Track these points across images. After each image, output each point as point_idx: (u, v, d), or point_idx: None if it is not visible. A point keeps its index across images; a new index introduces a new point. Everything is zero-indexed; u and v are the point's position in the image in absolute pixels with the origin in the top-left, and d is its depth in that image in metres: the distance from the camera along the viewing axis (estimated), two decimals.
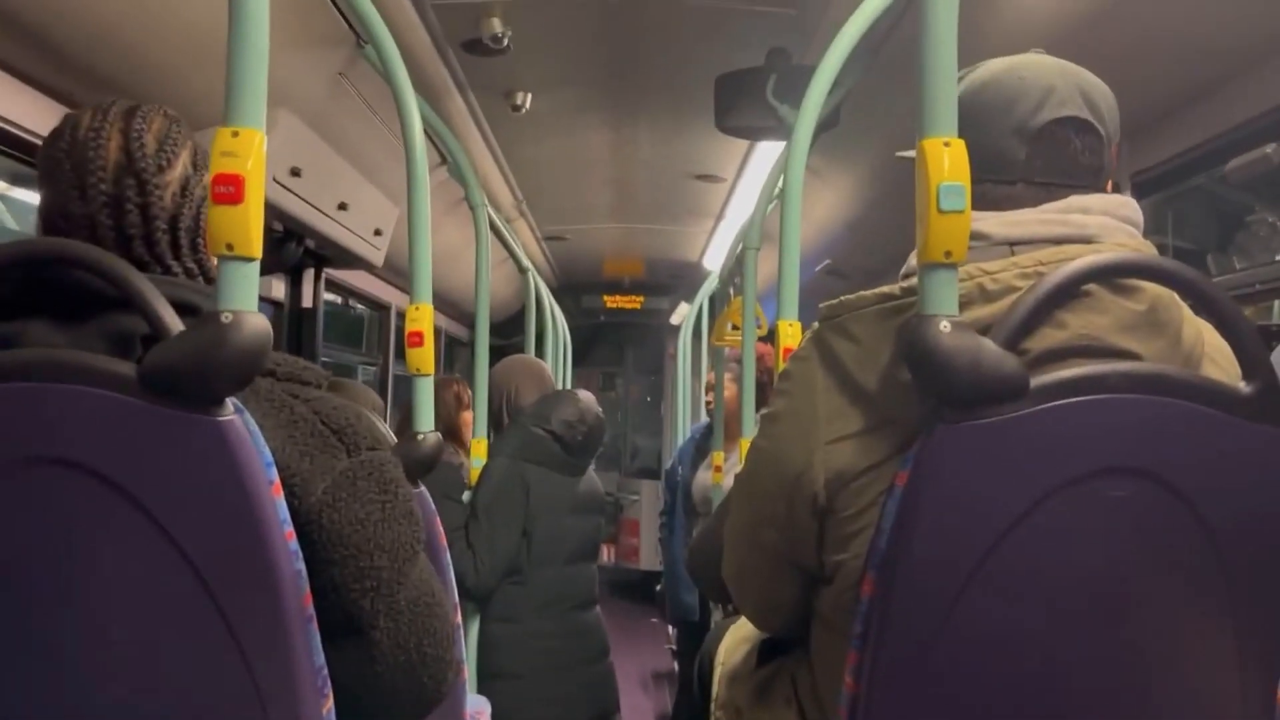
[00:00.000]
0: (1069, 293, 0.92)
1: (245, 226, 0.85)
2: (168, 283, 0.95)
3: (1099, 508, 0.90)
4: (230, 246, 0.85)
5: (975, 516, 0.90)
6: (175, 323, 0.86)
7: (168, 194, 0.99)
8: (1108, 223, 1.01)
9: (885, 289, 1.01)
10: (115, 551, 0.87)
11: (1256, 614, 0.95)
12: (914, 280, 0.98)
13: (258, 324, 0.85)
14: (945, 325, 0.87)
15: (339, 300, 4.05)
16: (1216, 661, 0.96)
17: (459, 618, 1.66)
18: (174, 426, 0.84)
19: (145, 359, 0.84)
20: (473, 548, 2.19)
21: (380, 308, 4.25)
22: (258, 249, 0.86)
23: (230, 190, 0.84)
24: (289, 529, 0.88)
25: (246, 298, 0.86)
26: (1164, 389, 0.90)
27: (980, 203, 1.02)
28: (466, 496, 2.32)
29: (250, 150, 0.85)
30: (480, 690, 2.18)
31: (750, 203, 2.37)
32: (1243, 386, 0.92)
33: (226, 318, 0.84)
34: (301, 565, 0.89)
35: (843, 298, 1.04)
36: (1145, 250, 1.00)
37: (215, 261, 1.03)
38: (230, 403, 0.85)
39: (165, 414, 0.83)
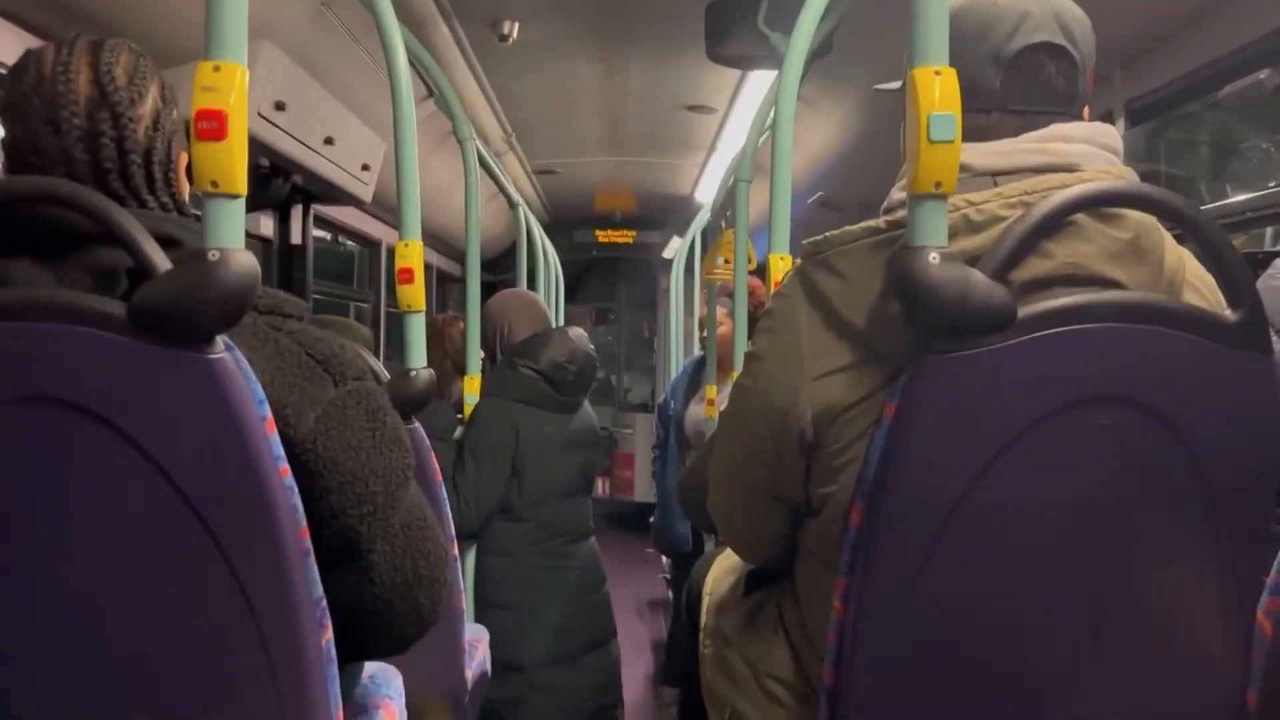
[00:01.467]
0: (1057, 222, 0.92)
1: (230, 163, 0.84)
2: (148, 216, 0.95)
3: (1085, 436, 0.92)
4: (215, 184, 0.84)
5: (962, 446, 0.92)
6: (162, 260, 0.85)
7: (141, 127, 0.98)
8: (1088, 150, 1.00)
9: (870, 223, 1.01)
10: (112, 490, 0.87)
11: (1238, 539, 0.96)
12: (899, 213, 0.98)
13: (245, 261, 0.85)
14: (934, 257, 0.87)
15: (329, 237, 4.03)
16: (1199, 585, 0.98)
17: (455, 549, 1.69)
18: (165, 365, 0.84)
19: (134, 298, 0.84)
20: (457, 489, 2.20)
21: (371, 244, 4.22)
22: (243, 185, 0.86)
23: (213, 126, 0.83)
24: (284, 465, 0.89)
25: (233, 235, 0.85)
26: (1150, 317, 0.91)
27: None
28: (457, 432, 2.33)
29: (232, 85, 0.84)
30: (478, 620, 2.22)
31: (742, 134, 2.34)
32: (1228, 314, 0.92)
33: (214, 255, 0.84)
34: (297, 500, 0.90)
35: (827, 234, 1.04)
36: (1127, 177, 1.00)
37: (187, 196, 1.03)
38: (220, 340, 0.85)
39: (156, 352, 0.83)
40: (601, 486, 7.26)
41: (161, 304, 0.83)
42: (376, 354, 3.06)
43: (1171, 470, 0.93)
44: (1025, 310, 0.89)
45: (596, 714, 2.37)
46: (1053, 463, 0.92)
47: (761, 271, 2.00)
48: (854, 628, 0.98)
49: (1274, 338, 1.34)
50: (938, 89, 0.86)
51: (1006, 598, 0.96)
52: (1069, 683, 0.98)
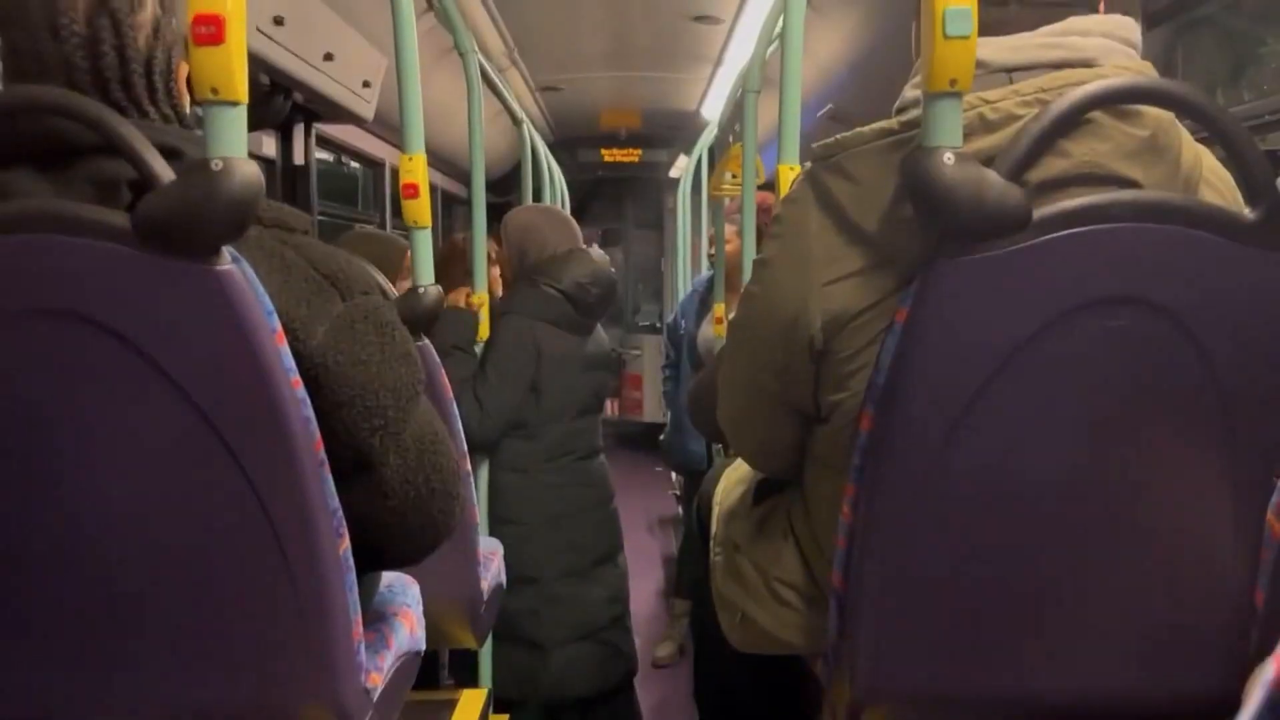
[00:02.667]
0: (1074, 121, 0.90)
1: (229, 68, 0.82)
2: (150, 127, 0.93)
3: (1099, 337, 0.91)
4: (215, 90, 0.83)
5: (974, 349, 0.91)
6: (165, 171, 0.84)
7: (141, 35, 0.96)
8: (1107, 44, 0.98)
9: (883, 124, 0.99)
10: (124, 403, 0.88)
11: (1251, 439, 0.96)
12: (912, 113, 0.96)
13: (249, 171, 0.84)
14: (949, 157, 0.86)
15: (332, 158, 3.98)
16: (1211, 486, 0.98)
17: (467, 464, 1.70)
18: (172, 277, 0.84)
19: (138, 209, 0.83)
20: (478, 399, 2.22)
21: (374, 164, 4.18)
22: (243, 92, 0.84)
23: (212, 30, 0.81)
24: (295, 376, 0.89)
25: (235, 144, 0.84)
26: (1167, 216, 0.89)
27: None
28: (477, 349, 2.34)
29: None
30: (491, 534, 2.25)
31: (749, 46, 2.28)
32: (1247, 212, 0.91)
33: (217, 165, 0.83)
34: (310, 411, 0.91)
35: (839, 136, 1.02)
36: (1146, 72, 0.97)
37: (189, 108, 1.01)
38: (227, 252, 0.85)
39: (162, 264, 0.83)
40: (611, 407, 7.32)
41: (166, 215, 0.82)
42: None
43: (1185, 371, 0.92)
44: (1041, 211, 0.87)
45: (610, 623, 2.43)
46: (1065, 365, 0.92)
47: (770, 186, 1.97)
48: (863, 532, 0.99)
49: None
50: None
51: (1016, 501, 0.96)
52: (1078, 584, 0.99)
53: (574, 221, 2.56)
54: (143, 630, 0.95)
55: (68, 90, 0.89)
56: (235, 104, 0.84)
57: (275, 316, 0.88)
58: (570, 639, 2.35)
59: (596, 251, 2.49)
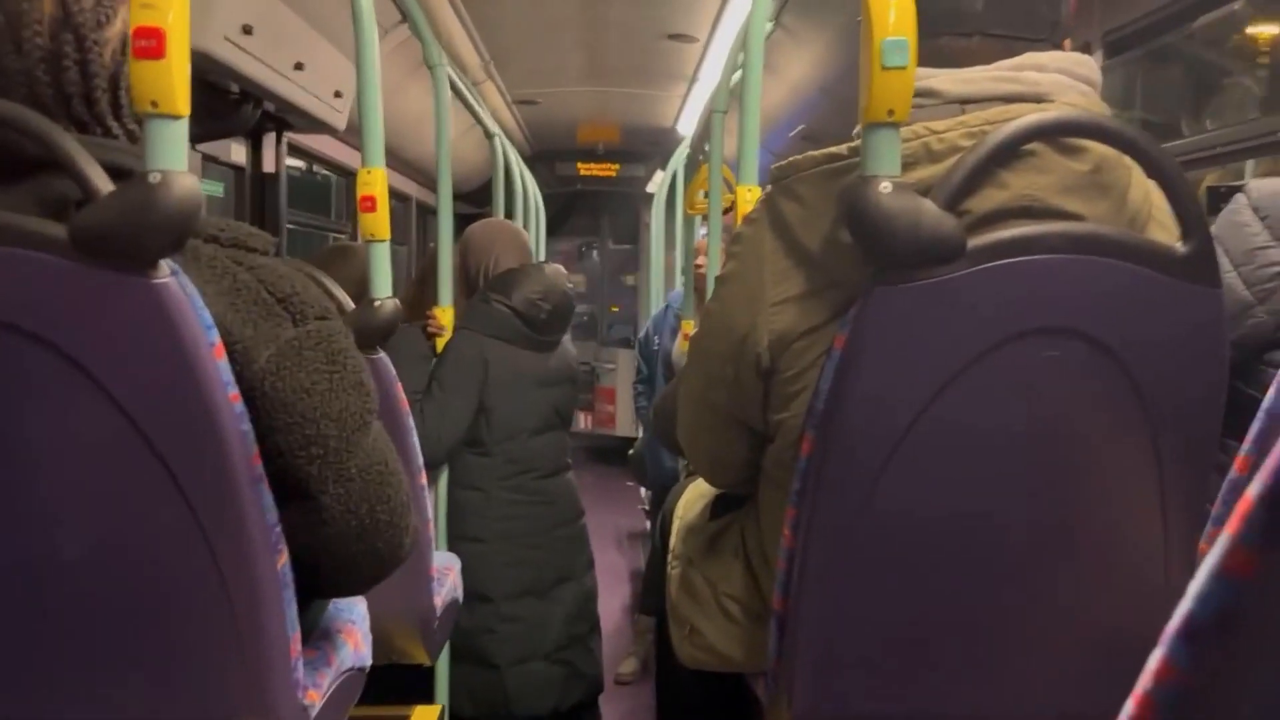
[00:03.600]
0: (1010, 152, 0.91)
1: (169, 82, 0.82)
2: (103, 145, 0.92)
3: (1032, 367, 0.92)
4: (155, 104, 0.83)
5: (910, 377, 0.92)
6: (104, 184, 0.84)
7: (107, 51, 0.95)
8: (1061, 80, 0.99)
9: (832, 149, 1.00)
10: (59, 414, 0.87)
11: (1182, 470, 0.98)
12: (860, 141, 0.97)
13: (188, 184, 0.84)
14: (886, 186, 0.87)
15: (305, 167, 3.97)
16: (1143, 515, 0.99)
17: (424, 479, 1.70)
18: (108, 289, 0.83)
19: (74, 220, 0.82)
20: (423, 417, 2.19)
21: (347, 174, 4.17)
22: (184, 106, 0.84)
23: (151, 44, 0.81)
24: (234, 390, 0.89)
25: (174, 157, 0.84)
26: (1099, 249, 0.91)
27: (937, 58, 1.00)
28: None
29: (171, 1, 0.82)
30: (451, 548, 2.24)
31: (722, 64, 2.30)
32: (1179, 246, 0.92)
33: (155, 178, 0.82)
34: (248, 426, 0.90)
35: (792, 158, 1.03)
36: (1096, 110, 0.98)
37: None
38: (165, 264, 0.84)
39: (98, 276, 0.82)
40: (584, 421, 7.31)
41: (102, 227, 0.82)
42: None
43: (1117, 401, 0.94)
44: (975, 241, 0.89)
45: (568, 642, 2.40)
46: (1000, 394, 0.93)
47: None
48: (802, 555, 1.00)
49: (1232, 271, 1.34)
50: (893, 13, 0.85)
51: (951, 529, 0.97)
52: (1014, 611, 1.00)
53: (525, 235, 2.55)
54: (75, 644, 0.94)
55: (13, 104, 0.88)
56: (176, 117, 0.84)
57: (215, 331, 0.88)
58: (525, 659, 2.32)
59: (552, 267, 2.46)
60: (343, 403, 0.98)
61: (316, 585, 1.06)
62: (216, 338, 0.88)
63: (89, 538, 0.90)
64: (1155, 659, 0.34)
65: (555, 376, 2.43)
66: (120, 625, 0.93)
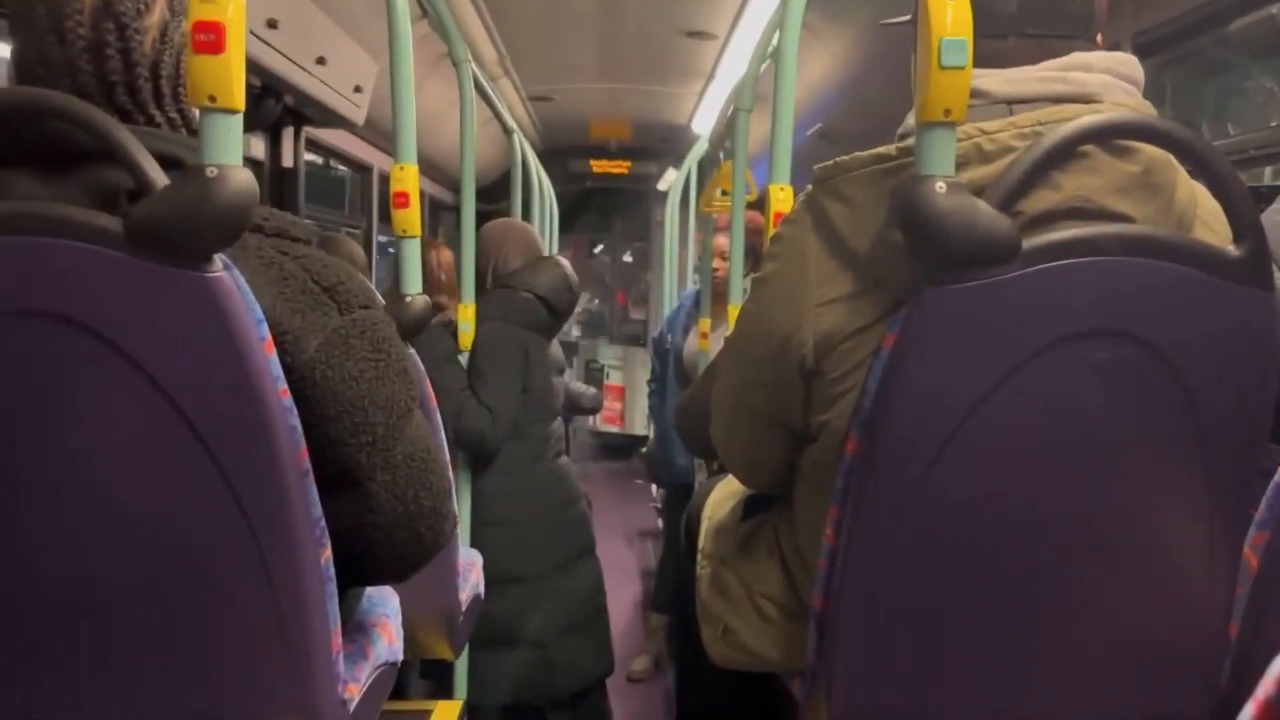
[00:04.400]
0: (1065, 154, 0.91)
1: (228, 77, 0.82)
2: (151, 135, 0.93)
3: (1083, 369, 0.92)
4: (213, 98, 0.83)
5: (959, 379, 0.92)
6: (160, 177, 0.84)
7: (148, 39, 0.95)
8: (1108, 81, 0.99)
9: (881, 149, 1.00)
10: (110, 406, 0.87)
11: (1229, 473, 0.97)
12: (911, 141, 0.97)
13: (243, 179, 0.84)
14: (941, 186, 0.86)
15: (320, 161, 3.97)
16: (1188, 518, 0.99)
17: (450, 473, 1.70)
18: (162, 282, 0.83)
19: (131, 213, 0.83)
20: (486, 404, 2.27)
21: (362, 169, 4.17)
22: (240, 100, 0.84)
23: (211, 39, 0.81)
24: (283, 385, 0.89)
25: (231, 151, 0.84)
26: (1153, 251, 0.90)
27: (974, 60, 1.00)
28: (464, 359, 2.35)
29: None
30: (476, 537, 2.27)
31: (742, 62, 2.30)
32: (1232, 249, 0.92)
33: (212, 172, 0.82)
34: (296, 421, 0.90)
35: (838, 159, 1.03)
36: (1144, 110, 0.98)
37: (197, 113, 1.00)
38: (219, 259, 0.84)
39: (153, 269, 0.83)
40: (592, 418, 7.31)
41: (158, 220, 0.82)
42: (368, 278, 3.05)
43: (1166, 404, 0.93)
44: (1029, 242, 0.88)
45: (594, 615, 2.49)
46: (1049, 396, 0.93)
47: (760, 204, 1.98)
48: (844, 555, 0.99)
49: (1278, 270, 1.34)
50: (950, 12, 0.84)
51: (996, 530, 0.97)
52: (1056, 614, 1.00)
53: (535, 234, 2.66)
54: (121, 635, 0.94)
55: (67, 95, 0.88)
56: (233, 112, 0.84)
57: (265, 325, 0.88)
58: (565, 631, 2.39)
59: (562, 260, 2.57)
60: (389, 390, 0.99)
61: (358, 574, 1.06)
62: (267, 332, 0.88)
63: (137, 530, 0.90)
64: (1278, 665, 0.33)
65: (559, 364, 2.57)
66: (166, 618, 0.93)
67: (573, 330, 7.64)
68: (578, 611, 2.44)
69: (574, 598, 2.44)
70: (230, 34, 0.81)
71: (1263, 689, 0.34)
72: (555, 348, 2.57)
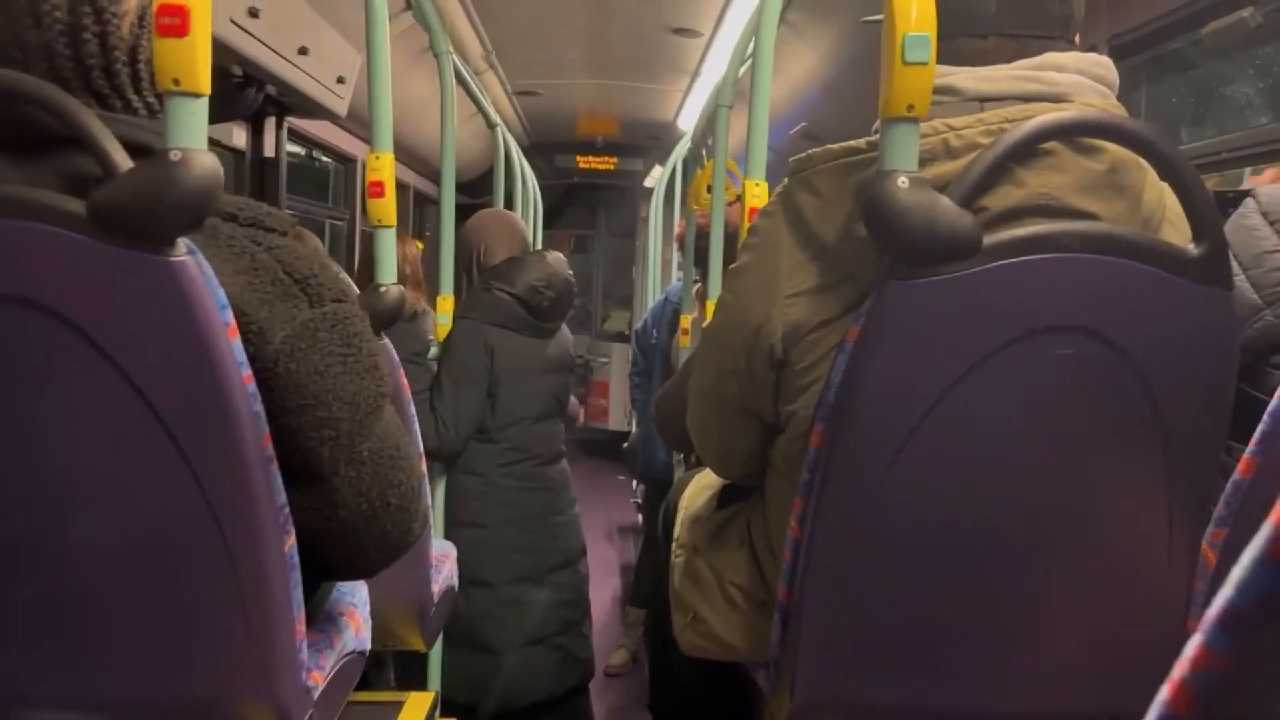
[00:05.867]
0: (1028, 150, 0.92)
1: (192, 60, 0.82)
2: (123, 122, 0.92)
3: (1044, 365, 0.93)
4: (177, 81, 0.83)
5: (922, 372, 0.93)
6: (124, 160, 0.84)
7: (125, 23, 0.95)
8: (1081, 81, 1.00)
9: (851, 143, 1.00)
10: (72, 389, 0.87)
11: (1188, 470, 0.99)
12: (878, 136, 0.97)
13: (207, 163, 0.84)
14: (904, 181, 0.87)
15: (304, 153, 3.96)
16: (1148, 514, 1.00)
17: (423, 466, 1.70)
18: (125, 266, 0.83)
19: (93, 196, 0.82)
20: (435, 413, 2.21)
21: (346, 160, 4.16)
22: (205, 84, 0.84)
23: (175, 21, 0.81)
24: (246, 371, 0.89)
25: (195, 135, 0.84)
26: (1114, 249, 0.91)
27: (953, 58, 1.01)
28: (433, 352, 2.33)
29: None
30: (447, 537, 2.24)
31: (726, 59, 2.30)
32: (1192, 248, 0.93)
33: (175, 155, 0.82)
34: (260, 407, 0.90)
35: (811, 151, 1.03)
36: (1114, 111, 0.99)
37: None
38: (183, 243, 0.84)
39: (116, 253, 0.82)
40: (580, 415, 7.31)
41: (120, 204, 0.82)
42: (349, 272, 3.04)
43: (1127, 401, 0.94)
44: (990, 238, 0.89)
45: (562, 627, 2.43)
46: (1010, 391, 0.93)
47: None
48: (808, 546, 1.00)
49: (1241, 274, 1.35)
50: (914, 9, 0.85)
51: (958, 524, 0.98)
52: (1016, 607, 1.01)
53: (523, 226, 2.57)
54: (82, 618, 0.94)
55: (37, 79, 0.88)
56: (197, 95, 0.83)
57: (229, 310, 0.87)
58: (523, 643, 2.34)
59: (553, 255, 2.48)
60: (356, 386, 0.98)
61: (324, 567, 1.06)
62: (231, 317, 0.88)
63: (99, 514, 0.90)
64: (1192, 647, 0.34)
65: (555, 363, 2.46)
66: (128, 602, 0.93)
67: None
68: (543, 625, 2.38)
69: (541, 610, 2.38)
70: (195, 17, 0.81)
71: (1178, 669, 0.34)
72: (556, 345, 2.47)
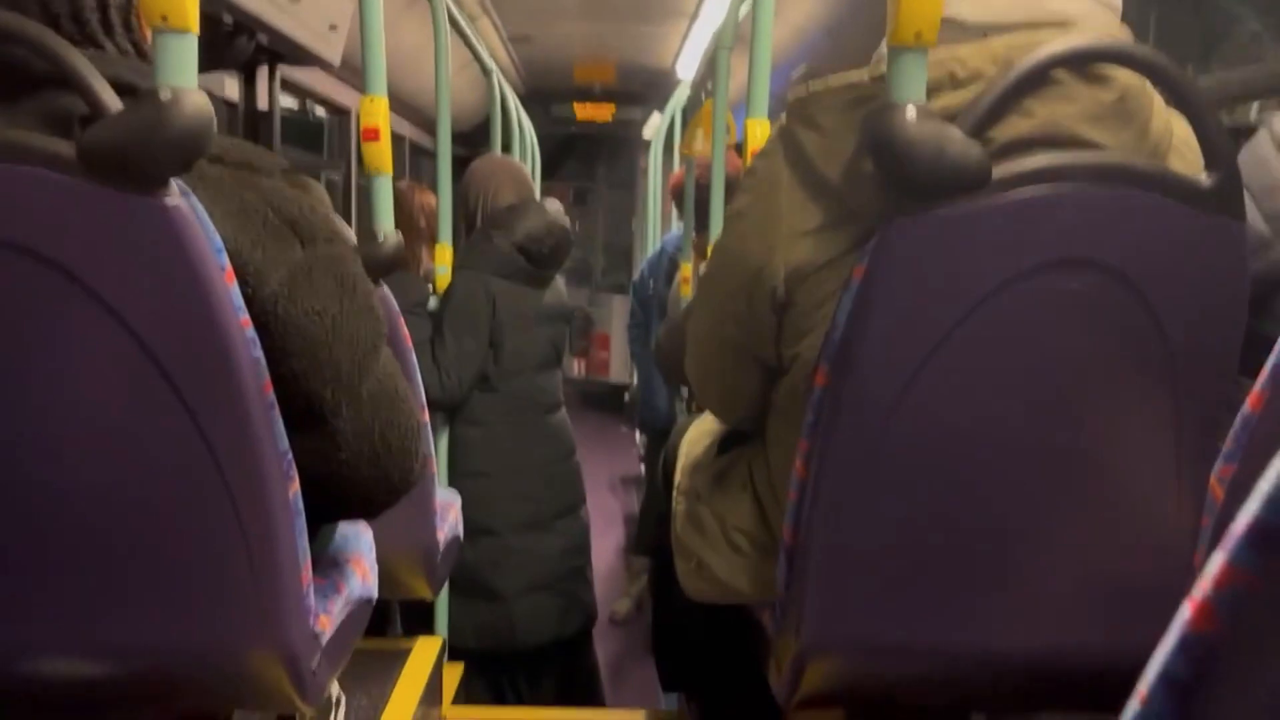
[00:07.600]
0: (1038, 80, 0.89)
1: None
2: (103, 59, 0.90)
3: (1051, 299, 0.92)
4: (165, 18, 0.80)
5: (929, 309, 0.91)
6: (113, 101, 0.82)
7: None
8: (1087, 7, 0.97)
9: (853, 78, 0.98)
10: (68, 335, 0.86)
11: (1198, 405, 0.98)
12: (883, 69, 0.95)
13: (199, 101, 0.82)
14: (911, 112, 0.85)
15: (297, 104, 3.91)
16: (1157, 448, 0.99)
17: (425, 416, 1.69)
18: (117, 209, 0.81)
19: (83, 138, 0.80)
20: (438, 363, 2.21)
21: (340, 112, 4.10)
22: (194, 21, 0.81)
23: None
24: (244, 316, 0.87)
25: (185, 74, 0.81)
26: (1125, 180, 0.89)
27: None
28: (433, 304, 2.31)
29: None
30: (453, 484, 2.25)
31: (726, 1, 2.26)
32: (1203, 178, 0.91)
33: (166, 95, 0.80)
34: (259, 352, 0.89)
35: (811, 85, 1.01)
36: (1122, 36, 0.97)
37: (150, 42, 0.98)
38: (175, 185, 0.82)
39: (107, 195, 0.81)
40: (577, 366, 7.31)
41: (112, 145, 0.80)
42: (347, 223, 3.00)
43: (1136, 334, 0.93)
44: (999, 170, 0.87)
45: (568, 574, 2.46)
46: (1018, 326, 0.92)
47: (740, 146, 1.95)
48: (814, 487, 1.00)
49: (1251, 205, 1.33)
50: None
51: (964, 461, 0.97)
52: (1025, 541, 1.01)
53: (526, 172, 2.53)
54: (86, 569, 0.93)
55: (20, 16, 0.85)
56: (185, 32, 0.81)
57: (225, 254, 0.86)
58: (529, 589, 2.37)
59: (552, 204, 2.46)
60: (354, 326, 0.97)
61: (327, 510, 1.06)
62: (226, 261, 0.86)
63: (100, 462, 0.89)
64: (1215, 565, 0.33)
65: (552, 312, 2.46)
66: (132, 550, 0.93)
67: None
68: (548, 570, 2.40)
69: (545, 556, 2.40)
70: None
71: (1199, 589, 0.34)
72: (554, 294, 2.47)
